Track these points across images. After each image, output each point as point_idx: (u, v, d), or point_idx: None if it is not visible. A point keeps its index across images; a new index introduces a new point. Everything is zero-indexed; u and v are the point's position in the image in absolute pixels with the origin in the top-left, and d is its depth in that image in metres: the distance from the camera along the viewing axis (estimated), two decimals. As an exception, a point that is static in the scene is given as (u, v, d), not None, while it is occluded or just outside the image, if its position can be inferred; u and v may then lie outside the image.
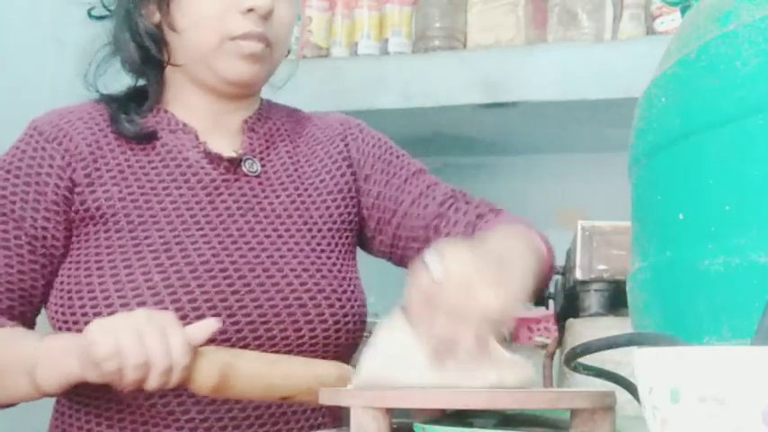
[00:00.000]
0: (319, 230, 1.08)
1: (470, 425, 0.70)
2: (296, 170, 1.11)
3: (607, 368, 0.67)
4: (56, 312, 1.00)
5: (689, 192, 0.56)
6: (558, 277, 1.42)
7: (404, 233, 1.10)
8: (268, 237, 1.04)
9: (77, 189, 1.01)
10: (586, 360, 0.63)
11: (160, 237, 0.99)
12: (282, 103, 1.20)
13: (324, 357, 0.99)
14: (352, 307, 1.04)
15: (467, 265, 0.74)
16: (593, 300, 1.02)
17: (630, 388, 0.65)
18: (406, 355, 0.72)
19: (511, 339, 1.89)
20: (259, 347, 0.97)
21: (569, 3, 1.72)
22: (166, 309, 0.93)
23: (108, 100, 1.08)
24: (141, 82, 1.10)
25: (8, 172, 1.02)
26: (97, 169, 1.02)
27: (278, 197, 1.08)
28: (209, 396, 0.89)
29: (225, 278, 0.98)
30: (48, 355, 0.89)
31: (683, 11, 0.67)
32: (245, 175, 1.06)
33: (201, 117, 1.07)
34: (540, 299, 1.52)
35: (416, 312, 0.73)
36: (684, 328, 0.54)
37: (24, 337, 0.94)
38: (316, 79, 1.70)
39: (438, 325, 0.71)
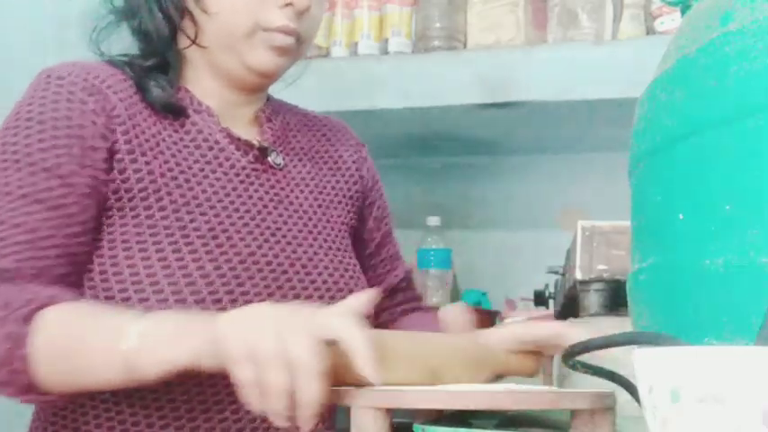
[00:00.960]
0: (339, 230, 1.08)
1: (470, 425, 0.70)
2: (313, 167, 1.10)
3: (607, 368, 0.67)
4: (86, 291, 0.89)
5: (689, 192, 0.56)
6: (558, 278, 1.42)
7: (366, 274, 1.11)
8: (300, 232, 1.02)
9: (117, 156, 0.91)
10: (586, 361, 0.63)
11: (205, 222, 0.93)
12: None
13: None
14: None
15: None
16: (593, 300, 1.02)
17: (630, 388, 0.65)
18: None
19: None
20: None
21: (569, 3, 1.72)
22: (220, 300, 0.88)
23: (124, 64, 1.00)
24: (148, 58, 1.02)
25: (42, 123, 0.90)
26: (136, 137, 0.93)
27: (302, 192, 1.06)
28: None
29: (270, 272, 0.95)
30: (153, 340, 0.76)
31: (683, 11, 0.67)
32: (271, 167, 1.03)
33: (215, 103, 1.02)
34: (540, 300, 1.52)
35: None
36: (684, 328, 0.54)
37: (113, 314, 0.81)
38: (316, 79, 1.70)
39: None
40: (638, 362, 0.46)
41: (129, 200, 0.91)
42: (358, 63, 1.75)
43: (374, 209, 1.17)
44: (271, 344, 0.68)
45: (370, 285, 1.07)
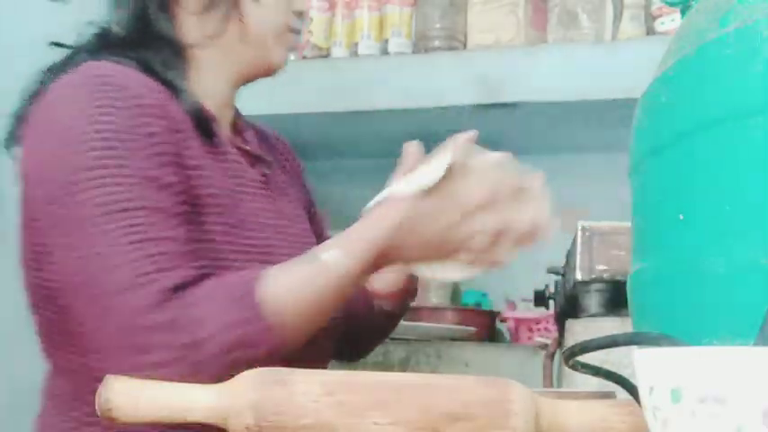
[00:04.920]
0: (312, 237, 1.08)
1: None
2: (282, 174, 1.10)
3: (607, 368, 0.67)
4: None
5: (689, 192, 0.56)
6: (558, 278, 1.42)
7: None
8: (312, 242, 1.02)
9: (186, 165, 0.90)
10: (586, 361, 0.63)
11: (261, 238, 0.96)
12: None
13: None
14: None
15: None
16: (593, 300, 1.02)
17: (630, 388, 0.64)
18: None
19: (511, 340, 1.89)
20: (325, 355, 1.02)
21: (569, 3, 1.72)
22: None
23: (142, 65, 0.93)
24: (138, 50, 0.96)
25: (130, 133, 0.85)
26: (191, 148, 0.92)
27: (290, 202, 1.07)
28: None
29: None
30: (345, 241, 0.86)
31: (683, 11, 0.67)
32: (264, 175, 1.03)
33: (210, 104, 0.98)
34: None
35: None
36: (685, 329, 0.54)
37: (298, 260, 0.87)
38: (316, 79, 1.70)
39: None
40: (638, 362, 0.46)
41: (195, 211, 0.90)
42: (358, 63, 1.75)
43: (317, 218, 1.17)
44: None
45: None
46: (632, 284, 0.64)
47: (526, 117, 1.80)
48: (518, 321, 1.85)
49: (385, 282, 1.08)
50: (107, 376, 0.59)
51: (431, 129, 1.97)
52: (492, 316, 1.88)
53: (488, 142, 2.20)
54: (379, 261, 0.88)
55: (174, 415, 0.59)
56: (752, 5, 0.55)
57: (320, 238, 1.09)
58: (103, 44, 0.98)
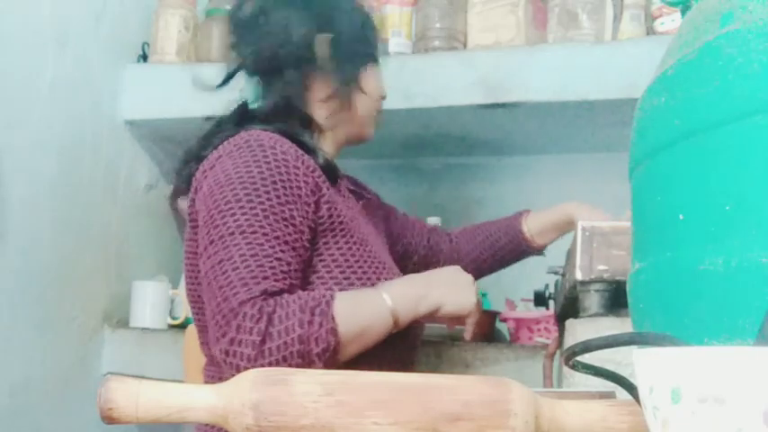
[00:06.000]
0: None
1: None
2: (369, 207, 1.51)
3: (607, 368, 0.67)
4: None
5: (689, 192, 0.56)
6: (558, 278, 1.42)
7: None
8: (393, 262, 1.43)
9: (322, 202, 1.23)
10: (586, 361, 0.63)
11: (376, 252, 1.30)
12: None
13: None
14: None
15: None
16: (593, 300, 1.01)
17: (630, 388, 0.64)
18: None
19: (511, 340, 1.89)
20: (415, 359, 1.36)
21: (569, 3, 1.72)
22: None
23: (283, 133, 1.27)
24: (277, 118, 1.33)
25: (275, 184, 1.18)
26: (328, 188, 1.25)
27: (378, 227, 1.50)
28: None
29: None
30: (403, 300, 1.19)
31: (684, 11, 0.67)
32: (364, 208, 1.45)
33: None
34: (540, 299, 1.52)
35: None
36: (684, 329, 0.54)
37: (365, 291, 1.21)
38: (316, 79, 1.70)
39: None
40: (638, 362, 0.46)
41: (332, 232, 1.24)
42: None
43: (406, 218, 1.69)
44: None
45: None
46: (632, 284, 0.64)
47: (526, 117, 1.80)
48: (518, 321, 1.85)
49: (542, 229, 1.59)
50: (107, 376, 0.59)
51: (431, 129, 1.97)
52: (492, 316, 1.88)
53: (488, 142, 2.20)
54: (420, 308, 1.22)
55: (174, 415, 0.59)
56: (752, 5, 0.55)
57: (414, 226, 1.65)
58: (245, 117, 1.34)
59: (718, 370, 0.41)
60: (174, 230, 2.21)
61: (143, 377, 0.61)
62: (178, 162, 1.37)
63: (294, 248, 1.17)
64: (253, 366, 1.04)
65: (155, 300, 2.05)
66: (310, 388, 0.59)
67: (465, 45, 1.81)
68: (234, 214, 1.16)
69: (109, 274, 2.06)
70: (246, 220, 1.15)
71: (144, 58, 2.13)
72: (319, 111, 1.35)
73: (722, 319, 0.53)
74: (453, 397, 0.61)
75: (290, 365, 1.07)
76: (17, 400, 1.75)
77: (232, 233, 1.15)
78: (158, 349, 1.95)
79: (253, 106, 1.37)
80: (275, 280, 1.13)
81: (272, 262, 1.14)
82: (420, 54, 1.81)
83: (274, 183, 1.18)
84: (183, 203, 1.43)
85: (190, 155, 1.34)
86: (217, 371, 1.28)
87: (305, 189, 1.20)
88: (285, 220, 1.17)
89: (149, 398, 0.59)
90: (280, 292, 1.12)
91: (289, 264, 1.15)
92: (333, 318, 1.11)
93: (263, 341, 1.08)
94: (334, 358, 1.11)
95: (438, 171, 2.21)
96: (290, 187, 1.19)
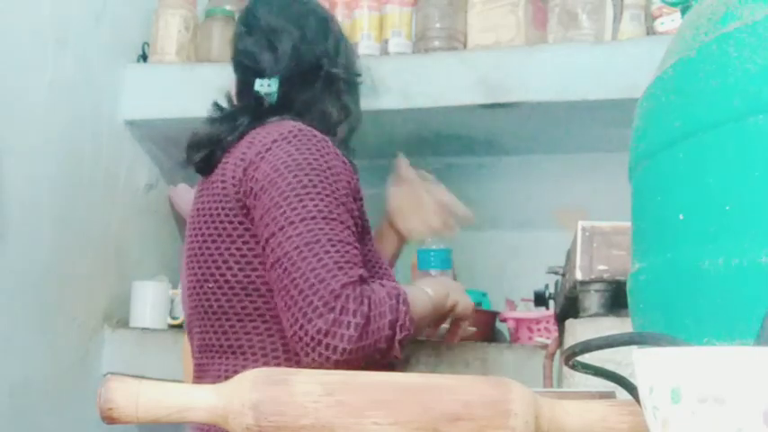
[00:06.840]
0: None
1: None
2: None
3: (607, 368, 0.67)
4: None
5: (689, 192, 0.56)
6: (558, 278, 1.42)
7: None
8: None
9: (358, 197, 1.29)
10: (586, 361, 0.63)
11: (380, 255, 1.38)
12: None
13: None
14: None
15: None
16: (593, 300, 1.01)
17: (630, 388, 0.64)
18: None
19: (511, 340, 1.89)
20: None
21: (569, 3, 1.72)
22: None
23: (318, 127, 1.31)
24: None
25: (335, 175, 1.23)
26: (359, 189, 1.31)
27: None
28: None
29: None
30: (437, 296, 1.35)
31: (683, 11, 0.67)
32: None
33: None
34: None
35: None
36: (684, 329, 0.54)
37: (412, 288, 1.33)
38: (316, 79, 1.70)
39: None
40: (638, 362, 0.46)
41: (364, 229, 1.30)
42: (358, 63, 1.75)
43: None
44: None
45: None
46: (632, 284, 0.64)
47: (526, 117, 1.80)
48: (518, 321, 1.85)
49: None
50: (107, 376, 0.59)
51: (431, 129, 1.97)
52: (492, 316, 1.88)
53: (488, 142, 2.20)
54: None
55: (174, 415, 0.59)
56: (752, 5, 0.55)
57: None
58: (263, 111, 1.35)
59: (718, 370, 0.41)
60: (175, 230, 2.21)
61: (143, 377, 0.61)
62: (189, 149, 1.38)
63: (356, 239, 1.22)
64: (351, 347, 1.11)
65: (155, 300, 2.05)
66: (310, 388, 0.59)
67: (465, 45, 1.80)
68: (312, 199, 1.19)
69: (109, 274, 2.06)
70: (326, 206, 1.19)
71: (144, 58, 2.13)
72: (335, 112, 1.41)
73: (722, 319, 0.53)
74: (453, 397, 0.61)
75: (378, 350, 1.15)
76: (17, 400, 1.75)
77: (314, 217, 1.18)
78: (158, 349, 1.95)
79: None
80: (360, 267, 1.18)
81: (353, 249, 1.19)
82: (420, 54, 1.81)
83: (336, 174, 1.23)
84: (177, 198, 1.45)
85: (211, 141, 1.34)
86: (234, 364, 1.29)
87: (353, 184, 1.27)
88: (348, 211, 1.22)
89: (149, 398, 0.59)
90: (366, 280, 1.18)
91: (359, 253, 1.21)
92: (410, 308, 1.20)
93: (366, 323, 1.13)
94: (401, 346, 1.18)
95: (438, 171, 2.21)
96: (346, 180, 1.25)
